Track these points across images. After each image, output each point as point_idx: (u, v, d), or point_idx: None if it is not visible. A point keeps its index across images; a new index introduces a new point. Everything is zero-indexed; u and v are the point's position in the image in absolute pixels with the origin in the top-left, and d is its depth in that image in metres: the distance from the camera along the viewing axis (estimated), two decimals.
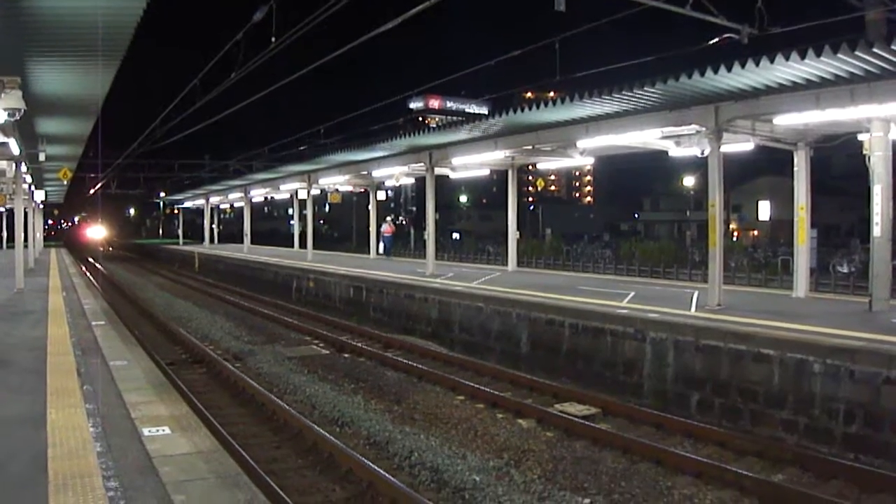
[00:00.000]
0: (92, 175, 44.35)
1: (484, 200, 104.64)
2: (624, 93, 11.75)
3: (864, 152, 11.75)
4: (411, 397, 11.41)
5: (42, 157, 18.63)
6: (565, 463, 8.43)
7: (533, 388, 12.03)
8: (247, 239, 42.19)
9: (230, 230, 74.24)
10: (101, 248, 65.06)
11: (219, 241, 56.39)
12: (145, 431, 6.34)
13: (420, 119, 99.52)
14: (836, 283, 23.15)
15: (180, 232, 62.99)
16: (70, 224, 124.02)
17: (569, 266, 35.29)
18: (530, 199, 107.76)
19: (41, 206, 43.07)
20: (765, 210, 59.64)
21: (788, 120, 11.97)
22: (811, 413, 8.97)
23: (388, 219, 33.83)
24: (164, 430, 6.43)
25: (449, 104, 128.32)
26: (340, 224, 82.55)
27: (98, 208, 74.46)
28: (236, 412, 10.66)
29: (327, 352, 15.56)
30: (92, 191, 44.24)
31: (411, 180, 30.72)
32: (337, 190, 32.69)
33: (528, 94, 79.00)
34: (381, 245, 32.37)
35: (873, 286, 12.04)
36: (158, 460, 5.59)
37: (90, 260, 48.12)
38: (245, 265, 33.05)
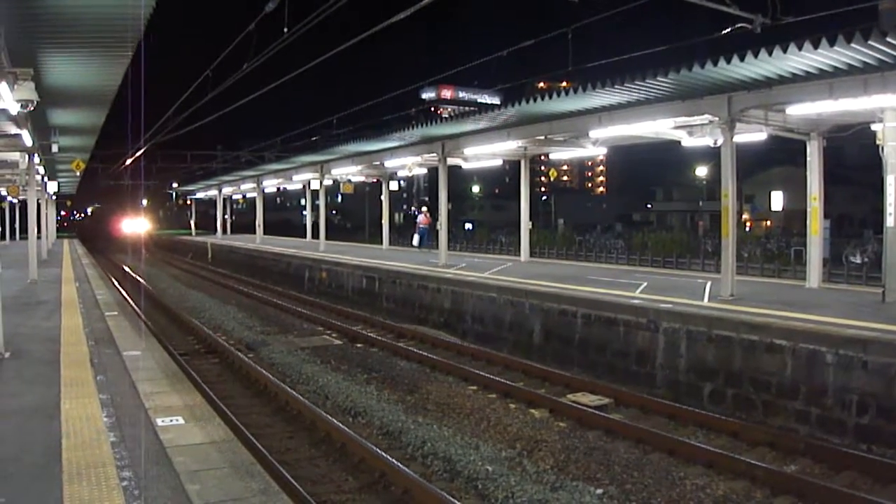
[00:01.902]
0: (109, 165, 44.55)
1: (496, 191, 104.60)
2: (637, 83, 11.69)
3: (878, 142, 11.65)
4: (424, 387, 11.44)
5: (55, 148, 18.69)
6: (578, 453, 8.44)
7: (545, 379, 12.03)
8: (259, 229, 42.24)
9: (243, 221, 74.32)
10: (146, 250, 51.72)
11: (231, 232, 56.43)
12: (159, 421, 6.39)
13: (432, 109, 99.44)
14: (849, 273, 23.08)
15: (192, 223, 63.00)
16: (84, 215, 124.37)
17: (581, 256, 35.31)
18: (543, 189, 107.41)
19: (54, 198, 43.23)
20: (777, 200, 59.32)
21: (801, 110, 11.87)
22: (824, 404, 8.94)
23: (424, 209, 33.33)
24: (177, 420, 6.47)
25: (461, 94, 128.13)
26: (353, 215, 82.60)
27: (115, 199, 74.13)
28: (249, 402, 10.73)
29: (340, 342, 15.60)
30: (126, 163, 43.67)
31: (424, 170, 30.60)
32: (349, 180, 32.64)
33: (541, 85, 78.89)
34: (416, 237, 32.04)
35: (887, 277, 11.95)
36: (172, 450, 5.63)
37: (102, 252, 48.33)
38: (258, 255, 33.13)
